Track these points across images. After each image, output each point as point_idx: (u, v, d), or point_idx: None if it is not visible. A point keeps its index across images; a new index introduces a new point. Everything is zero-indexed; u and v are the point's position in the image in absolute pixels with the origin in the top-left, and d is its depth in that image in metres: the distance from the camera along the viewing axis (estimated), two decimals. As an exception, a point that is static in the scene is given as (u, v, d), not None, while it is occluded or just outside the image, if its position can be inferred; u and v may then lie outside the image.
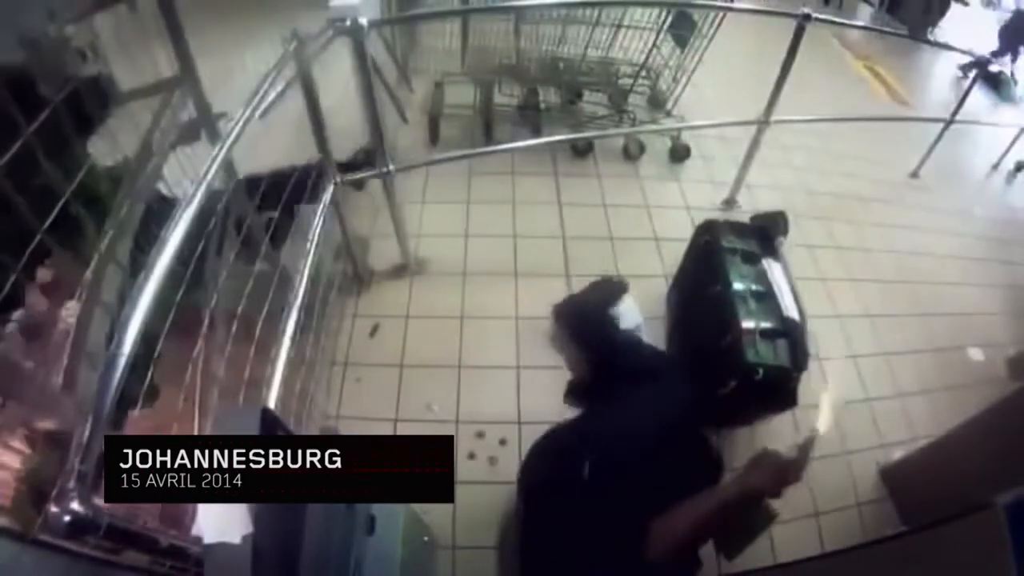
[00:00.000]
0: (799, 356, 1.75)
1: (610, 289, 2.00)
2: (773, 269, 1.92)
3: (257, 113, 1.28)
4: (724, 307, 1.82)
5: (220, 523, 0.64)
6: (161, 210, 1.20)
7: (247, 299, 1.47)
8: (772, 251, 1.99)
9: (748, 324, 1.77)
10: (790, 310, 1.82)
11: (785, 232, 2.09)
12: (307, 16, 1.79)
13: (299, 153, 1.94)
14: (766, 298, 1.85)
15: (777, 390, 1.74)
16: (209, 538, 0.64)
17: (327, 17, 1.68)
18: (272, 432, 0.76)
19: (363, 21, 1.62)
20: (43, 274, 1.04)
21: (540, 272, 2.43)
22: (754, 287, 1.87)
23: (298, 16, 1.74)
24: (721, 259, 1.93)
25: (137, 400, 1.05)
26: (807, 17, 2.31)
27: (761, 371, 1.69)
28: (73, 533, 0.68)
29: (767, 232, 2.06)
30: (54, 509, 0.67)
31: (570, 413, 1.50)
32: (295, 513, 0.75)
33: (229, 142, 1.21)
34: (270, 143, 1.73)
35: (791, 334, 1.77)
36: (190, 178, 1.08)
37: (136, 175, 1.17)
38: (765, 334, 1.76)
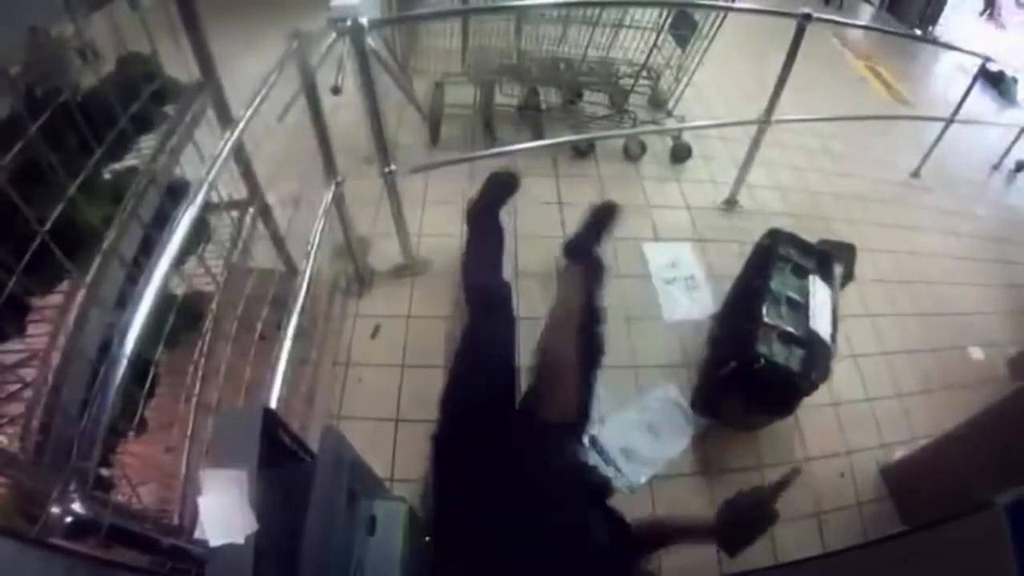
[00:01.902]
0: (810, 369, 1.75)
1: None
2: (818, 288, 1.95)
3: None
4: (756, 299, 1.87)
5: (223, 524, 0.64)
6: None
7: (247, 299, 1.47)
8: (827, 275, 2.03)
9: (771, 321, 1.80)
10: (819, 327, 1.84)
11: (850, 266, 2.12)
12: (308, 16, 1.79)
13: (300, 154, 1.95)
14: (799, 308, 1.88)
15: (774, 388, 1.75)
16: (212, 539, 0.64)
17: (327, 17, 1.68)
18: (274, 433, 0.76)
19: (363, 21, 1.62)
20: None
21: (540, 272, 2.43)
22: (791, 295, 1.91)
23: (299, 16, 1.74)
24: (771, 261, 1.99)
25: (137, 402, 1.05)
26: (807, 17, 2.31)
27: (762, 361, 1.70)
28: (74, 534, 0.68)
29: (828, 256, 2.11)
30: (55, 510, 0.67)
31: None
32: (296, 514, 0.75)
33: (232, 141, 1.21)
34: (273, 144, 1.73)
35: (811, 347, 1.78)
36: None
37: (150, 176, 1.16)
38: (785, 336, 1.79)
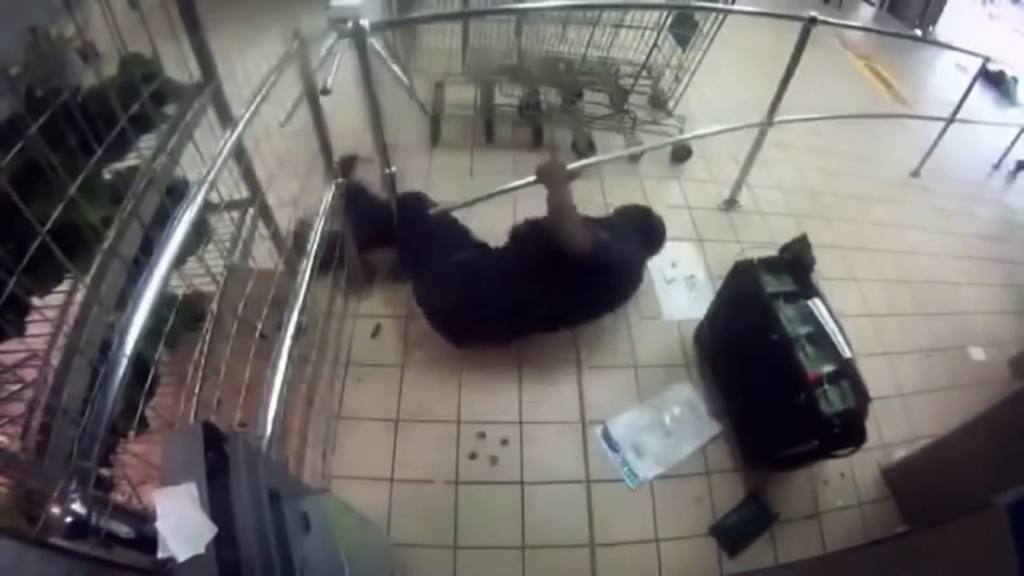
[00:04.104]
0: (860, 393, 1.72)
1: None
2: (819, 308, 1.88)
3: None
4: (788, 359, 1.77)
5: (184, 536, 0.63)
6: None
7: (247, 299, 1.47)
8: (812, 287, 1.95)
9: (812, 369, 1.73)
10: (840, 344, 1.79)
11: (810, 255, 2.05)
12: (308, 16, 1.79)
13: (300, 154, 1.95)
14: (819, 341, 1.81)
15: (851, 431, 1.71)
16: (177, 554, 0.62)
17: (328, 18, 1.68)
18: (217, 447, 0.75)
19: (364, 23, 1.62)
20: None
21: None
22: (805, 330, 1.83)
23: (299, 16, 1.74)
24: (770, 305, 1.87)
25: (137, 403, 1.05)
26: (813, 20, 2.30)
27: (838, 421, 1.66)
28: (74, 534, 0.67)
29: (802, 264, 2.01)
30: (55, 510, 0.67)
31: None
32: (224, 527, 0.70)
33: (231, 141, 1.21)
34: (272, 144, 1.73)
35: (850, 373, 1.75)
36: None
37: (150, 176, 1.16)
38: (830, 378, 1.73)
